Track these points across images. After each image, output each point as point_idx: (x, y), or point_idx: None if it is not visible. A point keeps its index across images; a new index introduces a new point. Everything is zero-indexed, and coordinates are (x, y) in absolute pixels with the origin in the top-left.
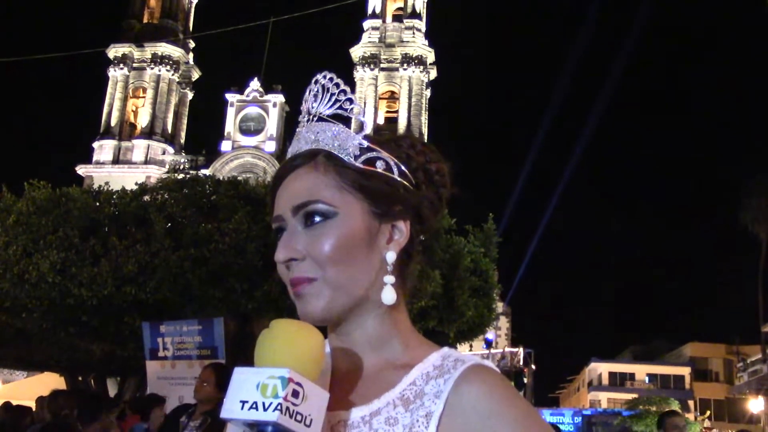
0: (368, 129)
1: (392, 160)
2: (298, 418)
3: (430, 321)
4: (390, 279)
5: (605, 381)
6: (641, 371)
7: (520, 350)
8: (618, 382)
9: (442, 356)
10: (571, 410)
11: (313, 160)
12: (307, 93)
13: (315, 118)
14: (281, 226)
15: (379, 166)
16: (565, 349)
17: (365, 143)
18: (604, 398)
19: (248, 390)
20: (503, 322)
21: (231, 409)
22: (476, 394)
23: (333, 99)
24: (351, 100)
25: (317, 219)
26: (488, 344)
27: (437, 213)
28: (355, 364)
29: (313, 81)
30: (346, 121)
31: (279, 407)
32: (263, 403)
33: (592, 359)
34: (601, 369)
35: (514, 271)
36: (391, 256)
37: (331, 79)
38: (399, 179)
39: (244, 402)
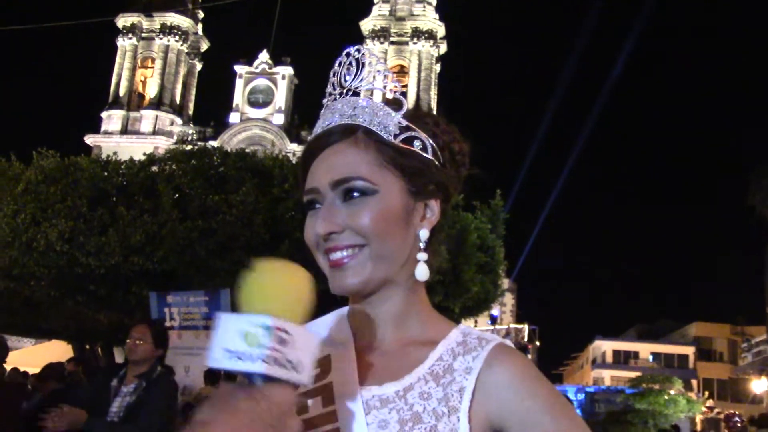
0: (406, 107)
1: (427, 140)
2: (287, 365)
3: (435, 296)
4: (423, 256)
5: (609, 359)
6: (645, 350)
7: (525, 327)
8: (622, 360)
9: (463, 333)
10: (574, 387)
11: (353, 136)
12: (337, 65)
13: (349, 93)
14: (315, 199)
15: (416, 146)
16: (570, 327)
17: (404, 122)
18: (608, 376)
19: (233, 338)
20: (509, 299)
21: (217, 358)
22: (510, 374)
23: (371, 75)
24: (390, 77)
25: (356, 195)
26: (493, 320)
27: (459, 193)
28: (378, 339)
29: (344, 53)
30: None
31: (265, 357)
32: (249, 354)
33: (596, 337)
34: (606, 347)
35: (520, 248)
36: (424, 234)
37: (365, 54)
38: (431, 158)
39: (230, 351)
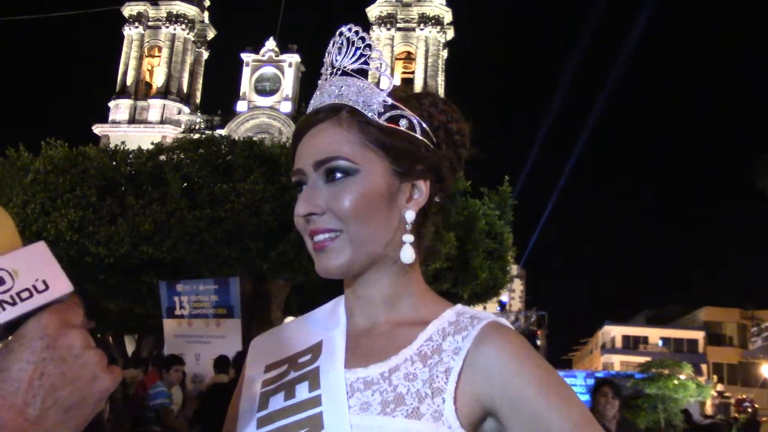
0: (391, 85)
1: (415, 119)
2: (25, 295)
3: (444, 283)
4: (409, 238)
5: (618, 344)
6: (655, 335)
7: (534, 312)
8: (631, 345)
9: (457, 313)
10: (583, 372)
11: (336, 115)
12: (331, 45)
13: (338, 72)
14: (301, 180)
15: (403, 125)
16: (579, 312)
17: (390, 100)
18: (617, 361)
19: None
20: (518, 285)
21: None
22: (499, 353)
23: (358, 53)
24: (376, 56)
25: (339, 175)
26: (502, 307)
27: (456, 173)
28: (371, 321)
29: (337, 33)
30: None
31: None
32: None
33: (605, 322)
34: (615, 332)
35: (529, 234)
36: (410, 215)
37: (356, 33)
38: (421, 138)
39: None
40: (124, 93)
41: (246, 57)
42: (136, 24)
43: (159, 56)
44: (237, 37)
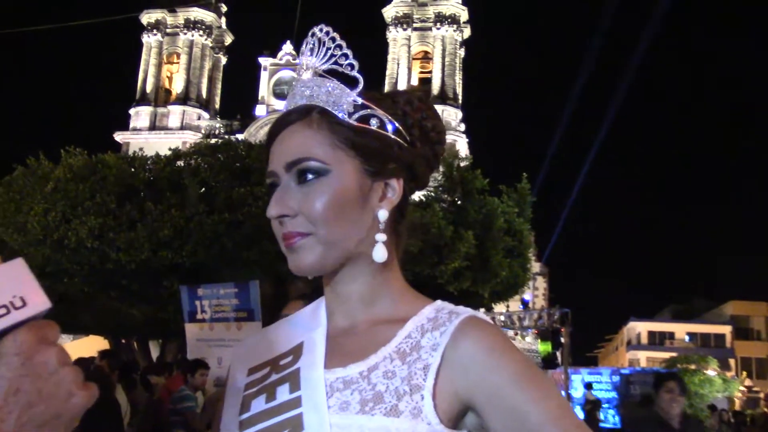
0: (361, 85)
1: (387, 118)
2: (1, 312)
3: (464, 282)
4: (381, 237)
5: (644, 340)
6: (681, 330)
7: (557, 310)
8: (657, 341)
9: (436, 309)
10: (609, 369)
11: (307, 117)
12: (304, 46)
13: (310, 73)
14: (275, 182)
15: (373, 124)
16: (604, 309)
17: (360, 100)
18: (643, 357)
19: None
20: (540, 282)
21: None
22: (475, 347)
23: (329, 53)
24: (346, 55)
25: (310, 176)
26: (525, 305)
27: (432, 170)
28: (350, 321)
29: (309, 34)
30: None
31: None
32: None
33: (630, 318)
34: (640, 328)
35: (551, 230)
36: (383, 214)
37: (327, 33)
38: (393, 137)
39: None
40: (144, 100)
41: (264, 61)
42: (155, 31)
43: (178, 63)
44: (254, 41)
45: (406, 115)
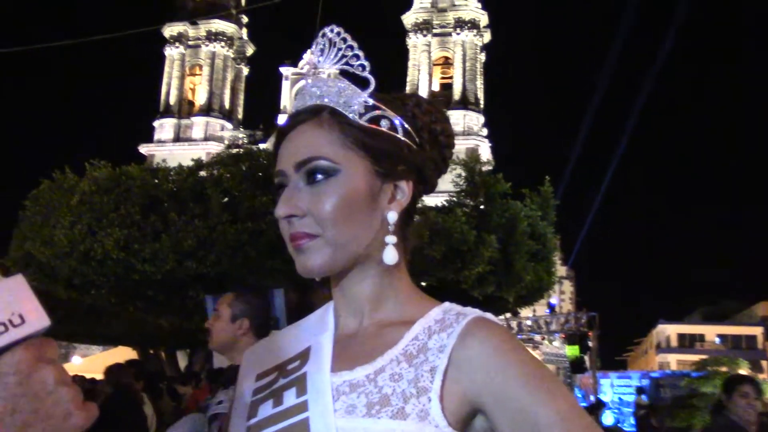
0: (373, 86)
1: (397, 119)
2: (0, 329)
3: (488, 287)
4: (391, 239)
5: (674, 343)
6: (711, 332)
7: (584, 314)
8: (687, 343)
9: (443, 310)
10: (638, 373)
11: (317, 116)
12: (314, 46)
13: (320, 74)
14: (282, 182)
15: (384, 125)
16: (633, 312)
17: (371, 101)
18: (673, 360)
19: None
20: (567, 286)
21: None
22: (482, 348)
23: (340, 54)
24: (358, 56)
25: (319, 177)
26: (552, 308)
27: (440, 174)
28: (357, 324)
29: (320, 34)
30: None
31: None
32: None
33: (660, 321)
34: (670, 331)
35: (577, 234)
36: (392, 216)
37: (338, 33)
38: (403, 138)
39: None
40: (167, 112)
41: (285, 71)
42: (177, 44)
43: (200, 74)
44: (276, 51)
45: (416, 117)
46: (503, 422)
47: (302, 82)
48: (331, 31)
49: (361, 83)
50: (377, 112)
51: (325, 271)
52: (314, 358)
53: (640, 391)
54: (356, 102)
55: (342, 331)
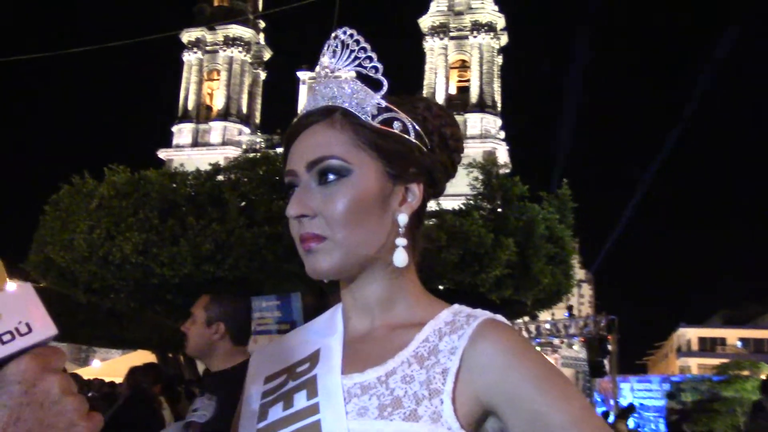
0: (386, 88)
1: (409, 122)
2: (6, 338)
3: (506, 290)
4: (402, 241)
5: (695, 347)
6: (733, 336)
7: (604, 317)
8: (708, 347)
9: (454, 312)
10: (659, 377)
11: (330, 117)
12: (325, 48)
13: (333, 75)
14: (293, 182)
15: (396, 127)
16: (653, 315)
17: (384, 103)
18: (694, 364)
19: None
20: (586, 290)
21: None
22: (494, 350)
23: (353, 56)
24: (371, 58)
25: (331, 177)
26: (570, 312)
27: (449, 178)
28: (367, 326)
29: (332, 36)
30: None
31: None
32: None
33: (680, 324)
34: (690, 334)
35: (599, 238)
36: (403, 219)
37: (351, 35)
38: (415, 141)
39: None
40: (186, 117)
41: (302, 75)
42: (195, 49)
43: (218, 79)
44: (293, 56)
45: (426, 120)
46: (516, 424)
47: (314, 84)
48: (344, 33)
49: (374, 85)
50: (390, 114)
51: (335, 273)
52: (324, 360)
53: (671, 396)
54: (369, 103)
55: (351, 333)
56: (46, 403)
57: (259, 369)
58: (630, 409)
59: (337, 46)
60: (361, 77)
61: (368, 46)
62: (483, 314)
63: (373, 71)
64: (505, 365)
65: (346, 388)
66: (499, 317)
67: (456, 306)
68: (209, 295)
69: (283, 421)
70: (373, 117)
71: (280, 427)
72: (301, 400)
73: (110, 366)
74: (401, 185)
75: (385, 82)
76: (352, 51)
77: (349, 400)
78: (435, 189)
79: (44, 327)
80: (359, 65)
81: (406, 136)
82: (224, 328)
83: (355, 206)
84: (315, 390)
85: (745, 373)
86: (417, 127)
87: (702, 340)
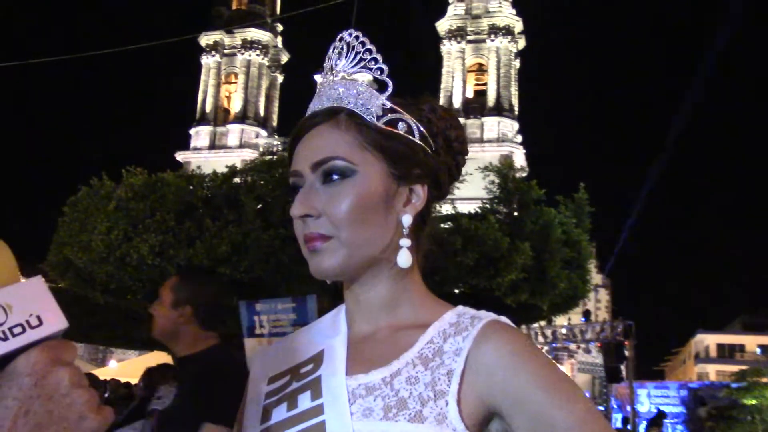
0: (391, 89)
1: (414, 123)
2: (17, 330)
3: (521, 294)
4: (406, 242)
5: (713, 353)
6: (752, 342)
7: (620, 322)
8: (727, 353)
9: (458, 314)
10: (676, 384)
11: (334, 118)
12: (331, 50)
13: (337, 76)
14: (297, 183)
15: (401, 128)
16: (671, 321)
17: (388, 104)
18: (713, 371)
19: None
20: (603, 295)
21: None
22: (499, 351)
23: (358, 57)
24: (376, 59)
25: (335, 177)
26: (587, 317)
27: (454, 180)
28: (371, 327)
29: (338, 38)
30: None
31: None
32: None
33: (698, 330)
34: (708, 340)
35: (614, 242)
36: (407, 219)
37: (356, 37)
38: (419, 142)
39: None
40: (204, 120)
41: (319, 78)
42: (213, 52)
43: (235, 82)
44: (310, 59)
45: (431, 122)
46: (521, 425)
47: (320, 85)
48: (349, 35)
49: (380, 87)
50: (395, 115)
51: (339, 273)
52: (328, 361)
53: (701, 401)
54: (374, 104)
55: (355, 334)
56: (56, 396)
57: (263, 369)
58: (661, 416)
59: (342, 48)
60: (377, 81)
61: (374, 48)
62: (487, 316)
63: (379, 72)
64: (510, 367)
65: (351, 389)
66: (504, 319)
67: (460, 308)
68: (178, 275)
69: (288, 422)
70: (378, 118)
71: (284, 428)
72: (305, 401)
73: (127, 366)
74: (405, 186)
75: (390, 84)
76: (357, 53)
77: (353, 401)
78: (439, 191)
79: (55, 320)
80: (365, 67)
81: (411, 138)
82: (191, 311)
83: (359, 206)
84: (319, 391)
85: (765, 380)
86: (422, 129)
87: (720, 347)
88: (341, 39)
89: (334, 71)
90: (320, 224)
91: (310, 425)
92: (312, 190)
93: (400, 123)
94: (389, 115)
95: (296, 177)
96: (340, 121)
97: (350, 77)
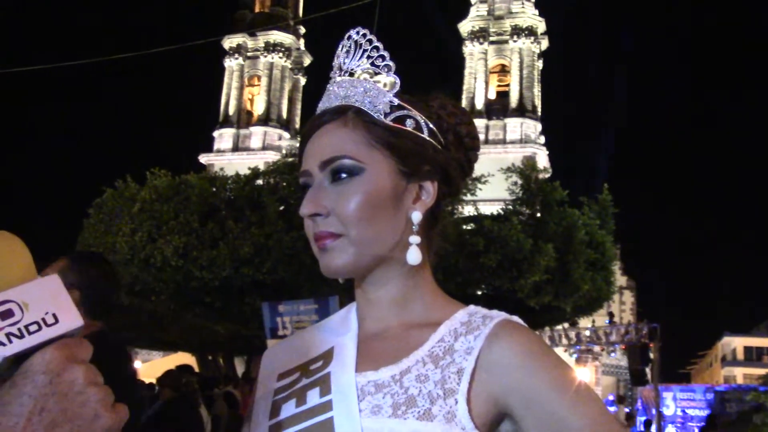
0: (398, 86)
1: (422, 119)
2: (33, 328)
3: (545, 296)
4: (415, 239)
5: (740, 356)
6: None
7: (645, 325)
8: (754, 356)
9: (469, 313)
10: (702, 387)
11: (342, 116)
12: (339, 49)
13: (346, 74)
14: (308, 182)
15: (409, 125)
16: (697, 323)
17: (396, 101)
18: (740, 374)
19: None
20: (627, 297)
21: None
22: (511, 351)
23: (365, 55)
24: (384, 57)
25: (344, 176)
26: (611, 319)
27: (465, 176)
28: (382, 325)
29: (345, 37)
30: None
31: None
32: None
33: (725, 333)
34: (735, 343)
35: (640, 244)
36: (416, 216)
37: (364, 35)
38: (428, 139)
39: None
40: (227, 122)
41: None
42: (236, 55)
43: (258, 85)
44: (332, 61)
45: (441, 119)
46: (532, 426)
47: (329, 84)
48: (357, 33)
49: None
50: (403, 112)
51: (349, 271)
52: (338, 358)
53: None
54: (382, 102)
55: (365, 331)
56: (71, 394)
57: (272, 366)
58: (712, 419)
59: (350, 47)
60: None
61: (381, 45)
62: (499, 315)
63: (386, 70)
64: (522, 367)
65: (360, 385)
66: (516, 318)
67: (472, 307)
68: (67, 257)
69: (296, 418)
70: (386, 115)
71: (292, 424)
72: (314, 397)
73: (151, 367)
74: (415, 183)
75: (398, 80)
76: (365, 50)
77: (362, 398)
78: (450, 188)
79: (70, 318)
80: (372, 64)
81: (420, 134)
82: (78, 296)
83: (367, 204)
84: (328, 387)
85: None
86: (431, 125)
87: (747, 350)
88: (349, 37)
89: (342, 70)
90: (329, 223)
91: (318, 421)
92: (321, 189)
93: (408, 120)
94: (397, 112)
95: (306, 176)
96: (347, 119)
97: (358, 75)
